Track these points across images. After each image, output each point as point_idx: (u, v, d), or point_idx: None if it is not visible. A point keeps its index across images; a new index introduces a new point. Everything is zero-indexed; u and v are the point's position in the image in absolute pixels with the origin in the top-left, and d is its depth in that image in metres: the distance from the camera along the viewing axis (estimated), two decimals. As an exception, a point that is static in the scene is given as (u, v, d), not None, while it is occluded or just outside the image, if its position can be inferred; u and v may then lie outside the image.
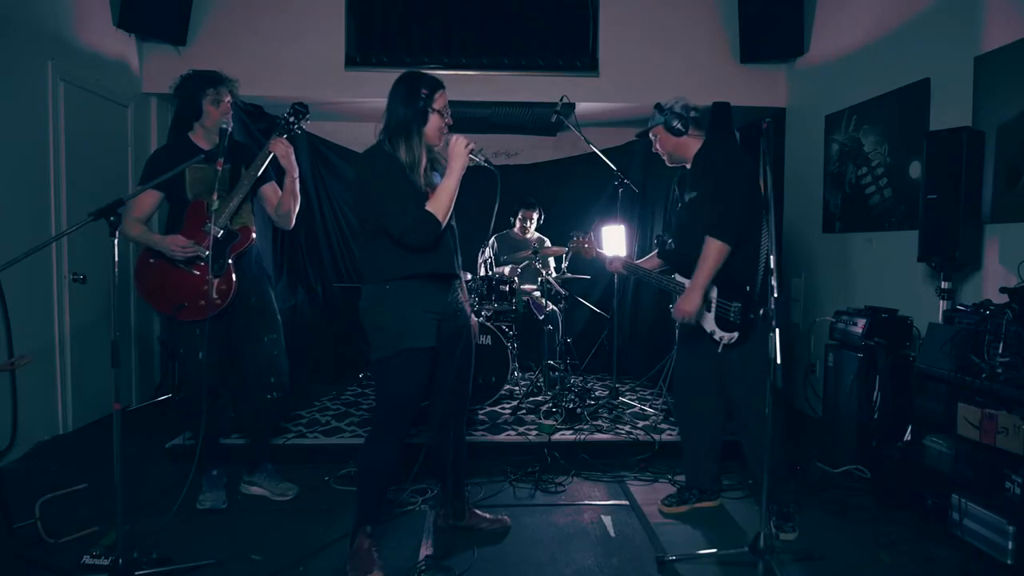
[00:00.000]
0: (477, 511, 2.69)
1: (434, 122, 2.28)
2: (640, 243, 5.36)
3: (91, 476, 2.99)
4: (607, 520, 2.80)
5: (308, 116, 2.81)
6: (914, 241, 3.28)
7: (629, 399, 4.44)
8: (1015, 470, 2.43)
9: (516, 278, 4.56)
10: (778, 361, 2.03)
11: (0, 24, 3.32)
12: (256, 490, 2.98)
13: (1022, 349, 2.49)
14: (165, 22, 4.43)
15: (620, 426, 3.84)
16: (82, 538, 2.49)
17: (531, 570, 2.39)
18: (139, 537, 2.44)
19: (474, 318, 2.60)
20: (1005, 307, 2.60)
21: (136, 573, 2.11)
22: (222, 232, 2.64)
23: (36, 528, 2.48)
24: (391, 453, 2.30)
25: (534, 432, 3.69)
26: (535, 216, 5.07)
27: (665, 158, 2.79)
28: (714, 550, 2.48)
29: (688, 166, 2.76)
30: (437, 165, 2.36)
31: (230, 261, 2.69)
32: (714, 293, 2.63)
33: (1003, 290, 2.66)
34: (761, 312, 2.55)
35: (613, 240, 4.76)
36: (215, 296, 2.64)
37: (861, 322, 3.33)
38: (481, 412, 4.10)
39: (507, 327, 4.42)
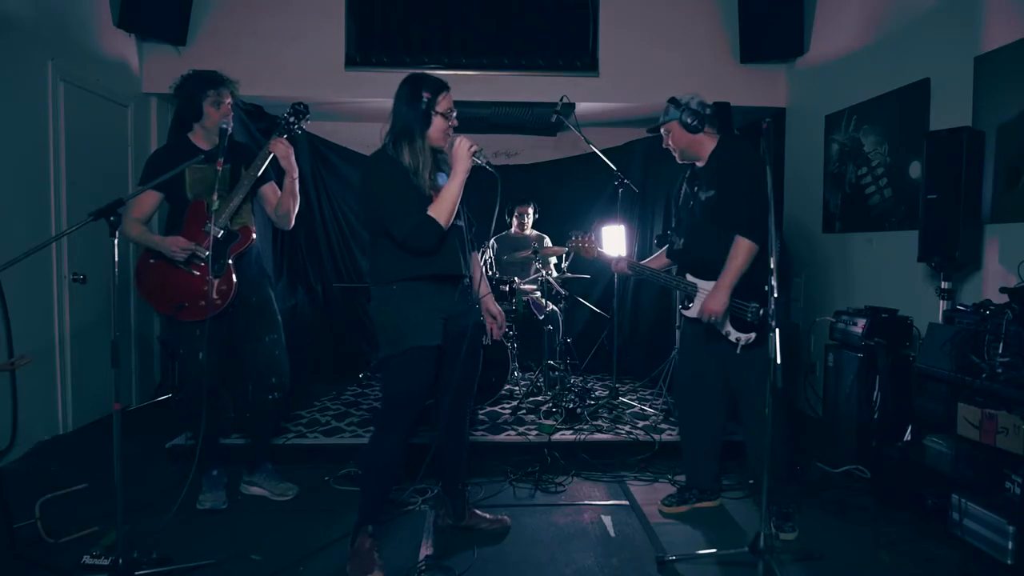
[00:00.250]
0: (477, 511, 2.69)
1: (437, 124, 2.28)
2: (640, 243, 5.36)
3: (91, 476, 2.99)
4: (607, 520, 2.80)
5: (308, 116, 2.82)
6: (914, 241, 3.28)
7: (629, 399, 4.44)
8: (1015, 470, 2.43)
9: (517, 278, 4.56)
10: (778, 361, 2.04)
11: (0, 24, 3.32)
12: (256, 490, 2.98)
13: (1022, 349, 2.49)
14: (165, 22, 4.43)
15: (620, 426, 3.84)
16: (82, 538, 2.49)
17: (531, 570, 2.39)
18: (139, 537, 2.44)
19: (496, 307, 2.57)
20: (1005, 307, 2.60)
21: (136, 573, 2.11)
22: (222, 232, 2.64)
23: (36, 528, 2.48)
24: (395, 452, 2.31)
25: (534, 432, 3.69)
26: (530, 211, 5.08)
27: (676, 154, 2.76)
28: (714, 550, 2.48)
29: (700, 164, 2.73)
30: (443, 166, 2.36)
31: (230, 261, 2.69)
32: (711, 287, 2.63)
33: (1003, 290, 2.66)
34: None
35: (613, 240, 4.76)
36: (215, 296, 2.64)
37: (861, 322, 3.33)
38: (481, 412, 4.10)
39: (507, 327, 4.42)
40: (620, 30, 4.89)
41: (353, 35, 4.82)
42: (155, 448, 3.48)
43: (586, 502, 2.99)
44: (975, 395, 2.58)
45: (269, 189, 2.88)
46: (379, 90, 4.73)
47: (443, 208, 2.22)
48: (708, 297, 2.59)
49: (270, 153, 2.71)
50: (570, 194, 5.62)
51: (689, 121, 2.63)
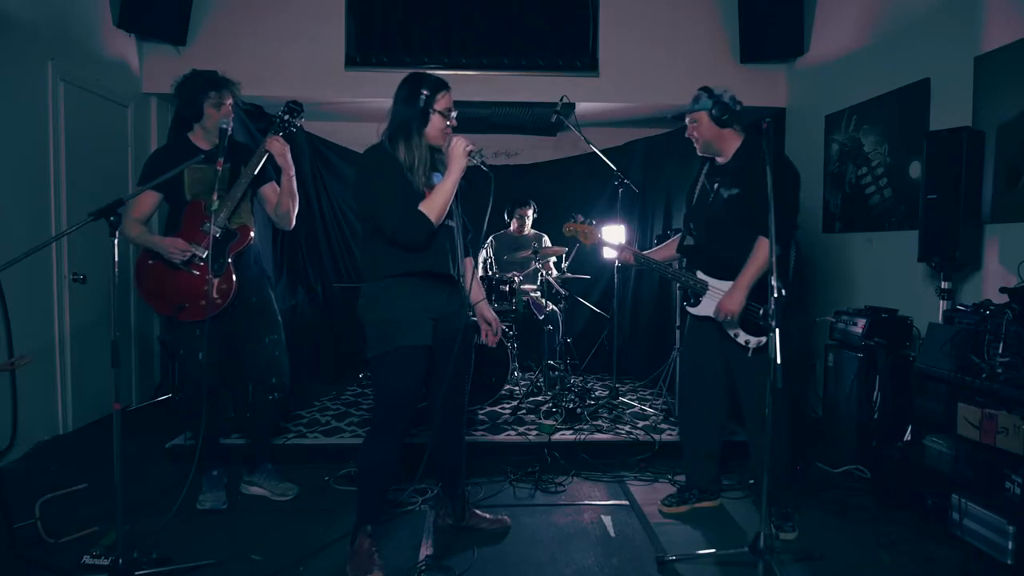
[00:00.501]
0: (477, 511, 2.69)
1: (436, 123, 2.28)
2: (640, 243, 5.36)
3: (91, 476, 2.99)
4: (607, 520, 2.80)
5: (303, 114, 2.81)
6: (914, 241, 3.28)
7: (629, 399, 4.44)
8: (1015, 470, 2.43)
9: (517, 278, 4.56)
10: (778, 361, 2.04)
11: (0, 24, 3.32)
12: (256, 490, 2.98)
13: (1022, 349, 2.49)
14: (165, 22, 4.43)
15: (620, 426, 3.84)
16: (82, 538, 2.49)
17: (531, 570, 2.39)
18: (139, 537, 2.44)
19: (491, 313, 2.58)
20: (1005, 307, 2.60)
21: (136, 573, 2.11)
22: (220, 232, 2.64)
23: (36, 528, 2.48)
24: (390, 452, 2.30)
25: (534, 432, 3.69)
26: (529, 212, 5.08)
27: (698, 146, 2.70)
28: (714, 550, 2.48)
29: (721, 160, 2.69)
30: (440, 166, 2.36)
31: (229, 260, 2.69)
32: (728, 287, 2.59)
33: (1003, 290, 2.66)
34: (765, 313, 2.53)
35: (613, 240, 4.75)
36: (215, 296, 2.64)
37: (861, 322, 3.33)
38: (481, 412, 4.10)
39: (507, 327, 4.42)
40: (620, 30, 4.89)
41: (353, 35, 4.82)
42: (155, 448, 3.48)
43: (586, 502, 2.99)
44: (975, 395, 2.58)
45: (269, 189, 2.88)
46: (379, 90, 4.73)
47: (435, 204, 2.22)
48: (726, 296, 2.56)
49: (266, 152, 2.71)
50: (570, 194, 5.63)
51: (720, 114, 2.58)
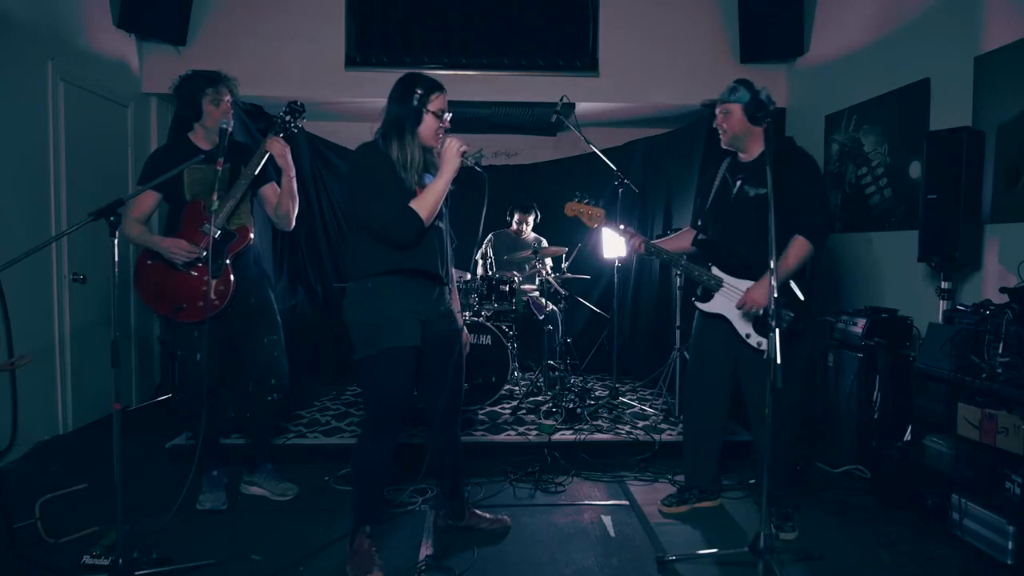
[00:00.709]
0: (477, 511, 2.69)
1: (428, 123, 2.28)
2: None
3: (91, 476, 2.99)
4: (607, 520, 2.80)
5: (304, 114, 2.81)
6: (914, 241, 3.28)
7: (629, 399, 4.44)
8: (1015, 470, 2.43)
9: (516, 278, 4.56)
10: (778, 361, 2.04)
11: (0, 24, 3.32)
12: (256, 490, 2.98)
13: (1022, 349, 2.50)
14: (165, 22, 4.43)
15: (620, 426, 3.84)
16: (82, 538, 2.49)
17: (531, 570, 2.39)
18: (139, 537, 2.45)
19: (460, 325, 2.57)
20: (1005, 307, 2.60)
21: (136, 573, 2.11)
22: (219, 232, 2.63)
23: (36, 528, 2.48)
24: (383, 453, 2.30)
25: (534, 432, 3.69)
26: (531, 220, 5.07)
27: (724, 138, 2.66)
28: (714, 550, 2.48)
29: (745, 157, 2.66)
30: (432, 167, 2.36)
31: (228, 261, 2.69)
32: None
33: (1003, 290, 2.66)
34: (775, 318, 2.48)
35: (613, 240, 4.75)
36: (213, 297, 2.63)
37: (861, 322, 3.33)
38: (481, 412, 4.10)
39: (507, 327, 4.42)
40: (620, 30, 4.89)
41: (353, 35, 4.82)
42: (155, 448, 3.48)
43: (586, 502, 2.99)
44: (975, 395, 2.58)
45: (269, 189, 2.88)
46: (379, 90, 4.66)
47: (426, 203, 2.21)
48: (755, 287, 2.52)
49: (266, 152, 2.71)
50: (570, 194, 5.61)
51: (755, 110, 2.52)
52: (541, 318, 4.62)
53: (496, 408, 4.20)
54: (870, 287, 3.95)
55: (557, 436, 3.62)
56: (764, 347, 2.55)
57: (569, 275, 4.77)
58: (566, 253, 4.76)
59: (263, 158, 2.72)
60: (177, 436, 3.52)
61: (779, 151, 2.60)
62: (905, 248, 3.53)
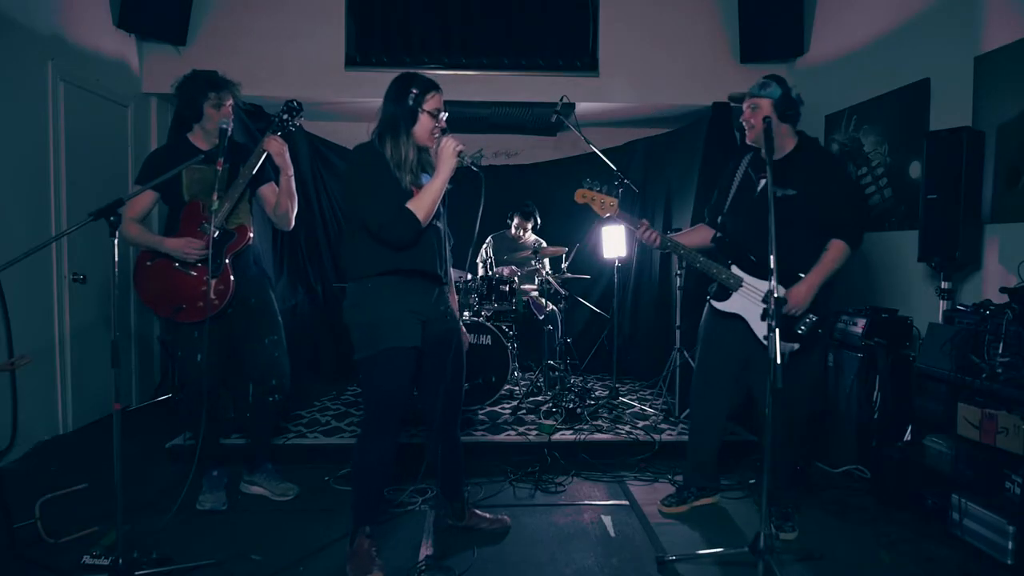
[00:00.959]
0: (477, 511, 2.69)
1: (424, 123, 2.27)
2: (640, 243, 5.34)
3: (91, 476, 2.99)
4: (607, 520, 2.80)
5: (302, 113, 2.80)
6: (914, 241, 3.28)
7: (629, 399, 4.44)
8: (1015, 470, 2.43)
9: (516, 278, 4.56)
10: (778, 362, 2.03)
11: (0, 24, 3.32)
12: (256, 490, 2.98)
13: (1022, 349, 2.50)
14: (165, 22, 4.43)
15: (620, 426, 3.84)
16: (82, 538, 2.49)
17: (531, 570, 2.39)
18: (139, 537, 2.44)
19: (463, 332, 2.56)
20: (1005, 307, 2.60)
21: (136, 573, 2.11)
22: (218, 232, 2.63)
23: (36, 528, 2.48)
24: (383, 453, 2.30)
25: (534, 432, 3.69)
26: (529, 225, 5.07)
27: (751, 133, 2.59)
28: (714, 550, 2.48)
29: (766, 153, 2.58)
30: (428, 167, 2.36)
31: (227, 261, 2.69)
32: (781, 292, 2.51)
33: (1003, 290, 2.66)
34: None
35: (613, 240, 4.75)
36: (213, 297, 2.63)
37: (861, 322, 3.33)
38: (481, 412, 4.10)
39: (507, 327, 4.42)
40: (620, 30, 4.89)
41: (353, 35, 4.82)
42: (155, 448, 3.48)
43: (586, 502, 2.99)
44: (975, 395, 2.58)
45: (268, 189, 2.88)
46: (379, 90, 4.61)
47: (423, 203, 2.21)
48: (799, 288, 2.48)
49: (264, 151, 2.70)
50: (570, 194, 5.61)
51: (785, 108, 2.51)
52: (541, 318, 4.62)
53: (496, 408, 4.20)
54: (870, 287, 3.95)
55: (557, 436, 3.62)
56: (785, 350, 2.52)
57: (569, 275, 4.77)
58: (566, 253, 4.76)
59: (261, 157, 2.72)
60: (177, 436, 3.51)
61: (808, 152, 2.60)
62: (905, 248, 3.53)
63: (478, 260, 5.08)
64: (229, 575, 2.31)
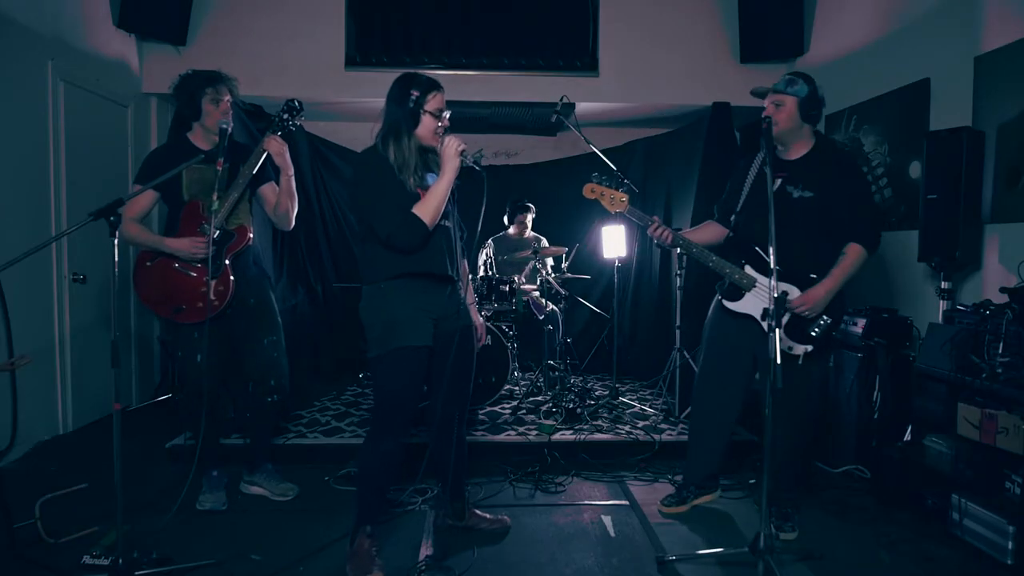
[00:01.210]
0: (477, 511, 2.69)
1: (427, 123, 2.28)
2: (640, 243, 5.36)
3: (91, 476, 2.99)
4: (607, 520, 2.80)
5: (302, 113, 2.80)
6: (914, 241, 3.28)
7: (629, 399, 4.44)
8: (1015, 470, 2.43)
9: (516, 278, 4.56)
10: (778, 361, 2.03)
11: (0, 24, 3.32)
12: (256, 490, 2.98)
13: (1022, 349, 2.50)
14: (165, 22, 4.43)
15: (620, 426, 3.84)
16: (82, 538, 2.49)
17: (531, 570, 2.39)
18: (139, 537, 2.44)
19: (479, 319, 2.59)
20: (1005, 307, 2.60)
21: (136, 573, 2.11)
22: (218, 232, 2.63)
23: (36, 528, 2.48)
24: (391, 452, 2.30)
25: (534, 432, 3.69)
26: (530, 217, 5.08)
27: (774, 129, 2.51)
28: (714, 550, 2.48)
29: (784, 154, 2.59)
30: (434, 167, 2.36)
31: (227, 262, 2.68)
32: (795, 294, 2.50)
33: (1003, 290, 2.66)
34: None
35: (613, 240, 4.76)
36: (213, 298, 2.63)
37: (861, 322, 3.32)
38: (481, 412, 4.10)
39: (507, 327, 4.42)
40: (620, 30, 4.90)
41: (353, 35, 4.82)
42: (155, 448, 3.48)
43: (586, 502, 2.99)
44: (975, 395, 2.58)
45: (268, 189, 2.87)
46: (379, 90, 4.64)
47: (428, 207, 2.22)
48: (817, 290, 2.46)
49: (264, 151, 2.70)
50: (570, 194, 5.61)
51: (809, 107, 2.48)
52: (541, 318, 4.62)
53: (496, 408, 4.20)
54: (870, 287, 3.95)
55: (557, 436, 3.62)
56: (795, 351, 2.51)
57: (569, 275, 4.77)
58: (566, 253, 4.76)
59: (261, 157, 2.72)
60: (177, 436, 3.51)
61: (826, 152, 2.58)
62: (905, 248, 3.53)
63: (479, 263, 5.07)
64: (229, 575, 2.31)
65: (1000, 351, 2.55)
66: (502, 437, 3.64)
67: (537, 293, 4.72)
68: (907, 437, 3.07)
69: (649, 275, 5.25)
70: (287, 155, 2.72)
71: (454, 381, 2.41)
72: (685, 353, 4.09)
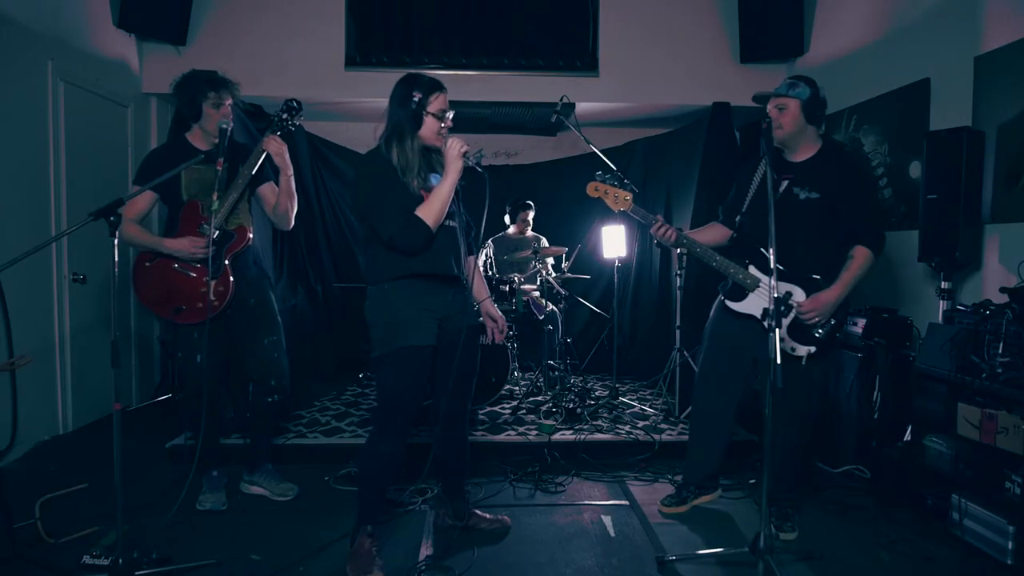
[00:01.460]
0: (477, 511, 2.69)
1: (429, 124, 2.28)
2: (641, 243, 5.36)
3: (91, 476, 2.99)
4: (607, 520, 2.80)
5: (301, 112, 2.80)
6: (914, 241, 3.28)
7: (629, 399, 4.44)
8: (1015, 470, 2.43)
9: (516, 278, 4.56)
10: (778, 361, 2.03)
11: (0, 24, 3.32)
12: (256, 490, 2.98)
13: (1022, 349, 2.50)
14: (165, 22, 4.43)
15: (620, 426, 3.84)
16: (82, 538, 2.49)
17: (531, 570, 2.39)
18: (139, 537, 2.45)
19: (497, 311, 2.58)
20: (1005, 307, 2.60)
21: (136, 573, 2.11)
22: (217, 233, 2.63)
23: (36, 528, 2.48)
24: (392, 452, 2.30)
25: (534, 432, 3.69)
26: (531, 216, 5.08)
27: (776, 132, 2.53)
28: (714, 550, 2.48)
29: (789, 156, 2.60)
30: (438, 167, 2.36)
31: (226, 262, 2.68)
32: (801, 297, 2.50)
33: (1003, 290, 2.66)
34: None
35: (613, 240, 4.76)
36: (212, 298, 2.63)
37: (861, 322, 3.32)
38: (481, 412, 4.10)
39: (508, 327, 4.42)
40: (620, 30, 4.90)
41: (353, 35, 4.82)
42: (155, 448, 3.48)
43: (586, 502, 2.99)
44: (975, 395, 2.58)
45: (268, 189, 2.87)
46: (379, 90, 4.71)
47: (432, 209, 2.22)
48: (827, 294, 2.46)
49: (263, 151, 2.70)
50: (570, 194, 5.62)
51: (813, 109, 2.48)
52: (541, 318, 4.62)
53: (496, 408, 4.20)
54: (870, 287, 3.94)
55: (557, 436, 3.62)
56: (798, 353, 2.51)
57: (569, 275, 4.77)
58: (566, 253, 4.76)
59: (260, 157, 2.71)
60: (177, 436, 3.51)
61: (832, 154, 2.58)
62: (905, 248, 3.53)
63: (480, 261, 5.07)
64: (229, 575, 2.31)
65: (1000, 351, 2.55)
66: (502, 437, 3.64)
67: (537, 293, 4.72)
68: (907, 437, 3.07)
69: (649, 275, 5.25)
70: (286, 155, 2.72)
71: (457, 381, 2.41)
72: (685, 353, 4.09)
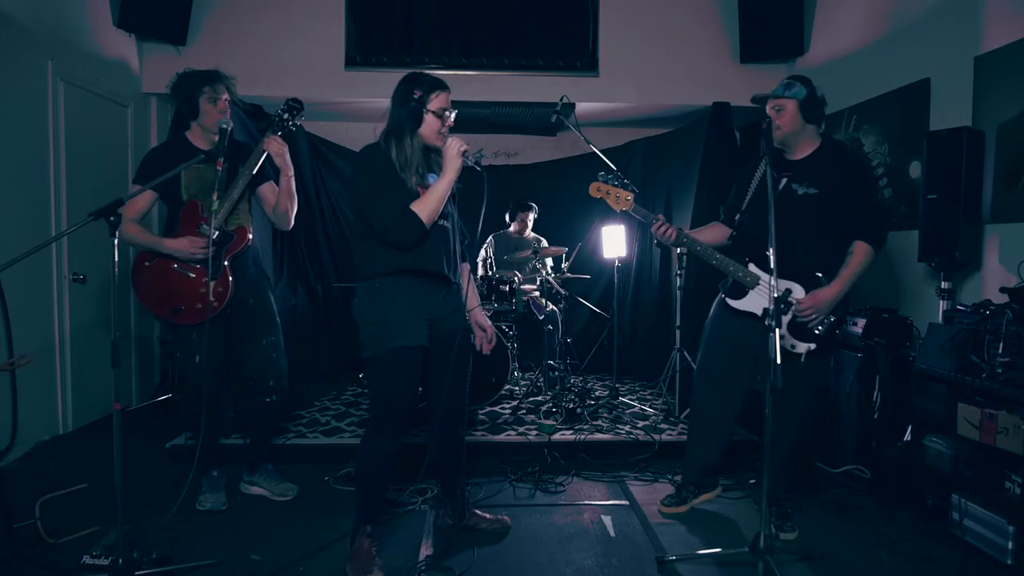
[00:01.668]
0: (477, 511, 2.69)
1: (430, 123, 2.28)
2: (641, 243, 5.36)
3: (91, 476, 2.99)
4: (607, 520, 2.80)
5: (302, 112, 2.80)
6: (914, 241, 3.28)
7: (629, 399, 4.44)
8: (1015, 470, 2.43)
9: (516, 278, 4.56)
10: (778, 361, 2.03)
11: (0, 24, 3.32)
12: (256, 490, 2.98)
13: (1022, 349, 2.50)
14: (165, 22, 4.43)
15: (620, 426, 3.84)
16: (82, 538, 2.49)
17: (531, 570, 2.39)
18: (139, 537, 2.45)
19: (487, 322, 2.55)
20: (1005, 307, 2.60)
21: (136, 573, 2.11)
22: (217, 233, 2.62)
23: (36, 528, 2.48)
24: (388, 453, 2.30)
25: (534, 432, 3.69)
26: (531, 216, 5.09)
27: (777, 134, 2.54)
28: (714, 550, 2.48)
29: (790, 155, 2.60)
30: (436, 167, 2.36)
31: (226, 263, 2.68)
32: (800, 294, 2.50)
33: (1003, 290, 2.66)
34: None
35: (613, 240, 4.76)
36: (212, 299, 2.63)
37: (861, 322, 3.32)
38: (481, 412, 4.10)
39: (507, 327, 4.42)
40: (620, 30, 4.90)
41: (353, 35, 4.82)
42: (155, 448, 3.48)
43: (586, 502, 2.99)
44: (975, 395, 2.58)
45: (268, 189, 2.87)
46: (379, 90, 4.73)
47: (427, 205, 2.22)
48: (826, 291, 2.46)
49: (264, 151, 2.70)
50: (570, 194, 5.62)
51: (810, 108, 2.49)
52: (541, 318, 4.62)
53: (496, 408, 4.20)
54: (870, 287, 3.94)
55: (557, 436, 3.62)
56: (798, 350, 2.51)
57: (569, 275, 4.77)
58: (566, 253, 4.76)
59: (261, 157, 2.71)
60: (177, 436, 3.51)
61: (831, 151, 2.58)
62: (905, 248, 3.53)
63: (478, 260, 5.08)
64: (229, 575, 2.31)
65: (1000, 351, 2.55)
66: (502, 437, 3.64)
67: (537, 293, 4.72)
68: (907, 437, 3.07)
69: (649, 275, 5.25)
70: (287, 155, 2.72)
71: (452, 381, 2.40)
72: (685, 353, 4.09)
